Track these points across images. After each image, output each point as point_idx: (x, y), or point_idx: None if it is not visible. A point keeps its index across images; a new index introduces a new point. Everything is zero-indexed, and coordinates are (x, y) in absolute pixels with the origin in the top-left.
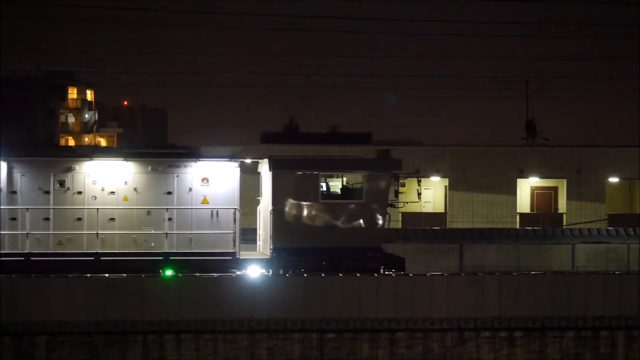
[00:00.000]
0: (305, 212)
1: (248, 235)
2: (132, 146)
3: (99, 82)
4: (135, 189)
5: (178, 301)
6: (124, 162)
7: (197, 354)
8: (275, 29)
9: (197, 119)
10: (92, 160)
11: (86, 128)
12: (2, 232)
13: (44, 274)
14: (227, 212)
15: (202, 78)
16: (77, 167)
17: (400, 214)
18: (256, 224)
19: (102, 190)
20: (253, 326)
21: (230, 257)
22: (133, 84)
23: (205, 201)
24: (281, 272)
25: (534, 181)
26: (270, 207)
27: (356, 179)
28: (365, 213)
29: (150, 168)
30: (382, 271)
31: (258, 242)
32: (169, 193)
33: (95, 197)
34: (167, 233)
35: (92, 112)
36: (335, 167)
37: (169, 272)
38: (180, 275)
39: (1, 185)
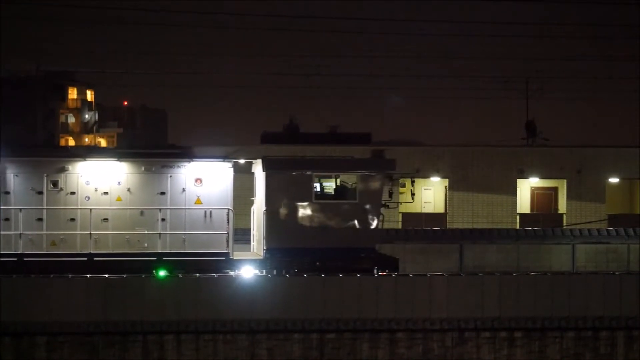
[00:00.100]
0: (298, 213)
1: (243, 235)
2: (126, 146)
3: (99, 82)
4: (128, 190)
5: (178, 301)
6: (117, 163)
7: (197, 354)
8: (275, 29)
9: (197, 119)
10: (85, 160)
11: (86, 128)
12: None
13: (37, 274)
14: (221, 212)
15: (202, 78)
16: (70, 167)
17: (400, 214)
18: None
19: (96, 190)
20: (253, 326)
21: (223, 258)
22: (133, 84)
23: (198, 201)
24: (275, 272)
25: (534, 181)
26: (264, 208)
27: (350, 179)
28: (359, 213)
29: (143, 168)
30: (375, 272)
31: (252, 243)
32: (163, 193)
33: (89, 198)
34: (160, 233)
35: (92, 112)
36: (329, 167)
37: (162, 273)
38: (172, 275)
39: None
